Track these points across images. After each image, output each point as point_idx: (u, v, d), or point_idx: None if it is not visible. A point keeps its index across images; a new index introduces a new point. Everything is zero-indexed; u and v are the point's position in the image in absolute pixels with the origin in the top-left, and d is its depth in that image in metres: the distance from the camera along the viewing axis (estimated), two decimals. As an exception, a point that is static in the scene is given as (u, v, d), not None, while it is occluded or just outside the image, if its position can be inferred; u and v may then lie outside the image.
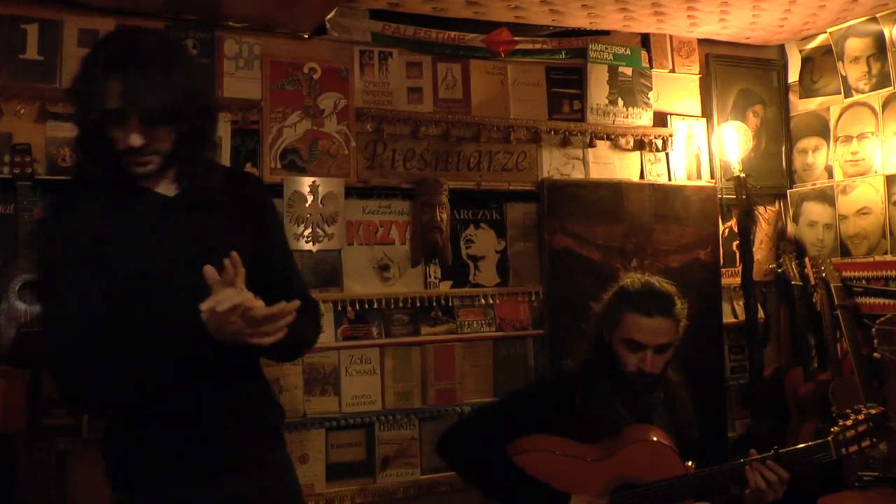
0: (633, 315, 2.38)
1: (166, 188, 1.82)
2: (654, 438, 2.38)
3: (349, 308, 3.34)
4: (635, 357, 2.37)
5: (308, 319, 1.90)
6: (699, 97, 4.16)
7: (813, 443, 2.34)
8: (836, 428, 2.31)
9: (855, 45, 3.91)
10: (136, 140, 1.67)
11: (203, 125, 1.80)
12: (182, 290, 1.71)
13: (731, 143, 3.99)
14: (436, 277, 3.52)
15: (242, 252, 1.72)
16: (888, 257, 3.79)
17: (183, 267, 1.74)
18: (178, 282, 1.74)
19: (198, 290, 1.65)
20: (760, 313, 4.05)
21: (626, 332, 2.38)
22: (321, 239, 3.30)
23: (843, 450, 2.28)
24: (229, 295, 1.60)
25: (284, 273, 1.97)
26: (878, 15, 3.77)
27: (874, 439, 2.29)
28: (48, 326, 1.77)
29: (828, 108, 4.12)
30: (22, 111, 2.91)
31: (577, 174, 3.81)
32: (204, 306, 1.60)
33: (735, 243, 4.07)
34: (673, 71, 4.09)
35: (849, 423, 2.30)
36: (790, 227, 4.28)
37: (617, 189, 3.79)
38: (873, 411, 2.30)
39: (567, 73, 3.85)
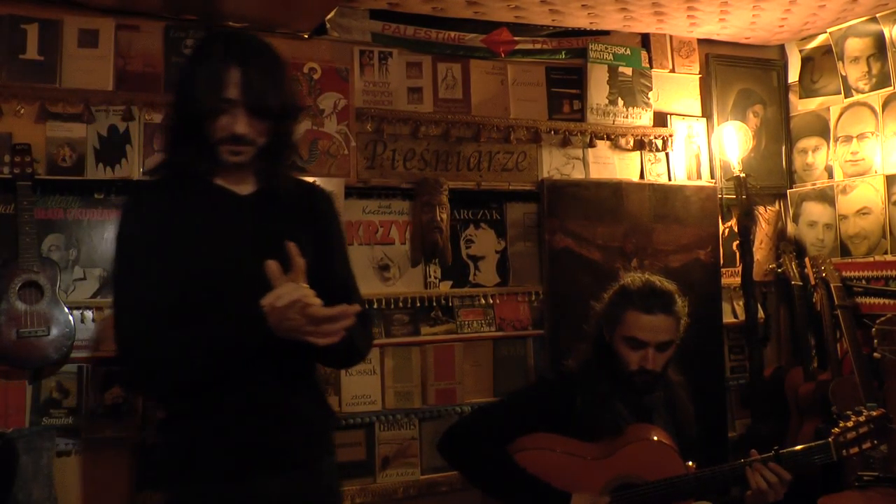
0: (634, 313, 2.39)
1: (240, 186, 1.88)
2: (655, 438, 2.38)
3: (349, 308, 3.34)
4: (637, 355, 2.37)
5: (362, 331, 1.94)
6: (699, 97, 4.16)
7: (814, 444, 2.34)
8: (836, 429, 2.31)
9: (855, 45, 3.91)
10: (242, 128, 1.76)
11: (293, 127, 1.90)
12: (247, 285, 1.75)
13: (731, 143, 3.99)
14: (436, 277, 3.52)
15: (306, 257, 1.79)
16: (888, 257, 3.79)
17: (250, 263, 1.78)
18: (244, 278, 1.78)
19: (263, 286, 1.71)
20: (760, 313, 4.05)
21: (628, 329, 2.39)
22: (321, 239, 3.29)
23: (844, 451, 2.28)
24: (289, 290, 1.66)
25: (344, 284, 2.00)
26: (878, 15, 3.77)
27: (875, 441, 2.29)
28: (117, 314, 1.83)
29: (828, 108, 4.12)
30: (22, 111, 2.91)
31: (577, 174, 3.81)
32: (265, 301, 1.66)
33: (735, 243, 4.07)
34: (673, 71, 4.09)
35: (849, 424, 2.30)
36: (790, 227, 4.28)
37: (617, 189, 3.79)
38: (874, 413, 2.30)
39: (567, 73, 3.85)
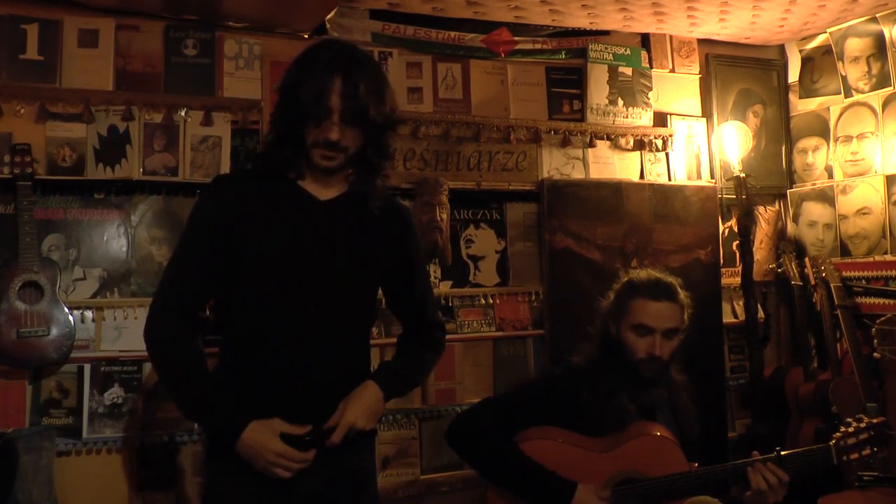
0: (640, 300, 2.43)
1: (323, 191, 1.93)
2: (658, 434, 2.39)
3: (349, 308, 3.34)
4: (645, 342, 2.40)
5: (426, 357, 2.14)
6: (699, 97, 4.16)
7: (815, 447, 2.35)
8: (837, 434, 2.32)
9: (855, 45, 3.92)
10: (335, 134, 1.81)
11: (388, 138, 1.94)
12: (304, 285, 1.86)
13: (731, 143, 3.99)
14: (436, 277, 3.52)
15: (377, 269, 1.97)
16: (888, 257, 3.79)
17: (308, 264, 1.87)
18: (309, 280, 1.87)
19: (319, 286, 1.85)
20: (760, 313, 4.05)
21: (635, 317, 2.42)
22: (321, 239, 3.29)
23: (844, 456, 2.29)
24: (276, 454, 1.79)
25: (421, 304, 2.16)
26: (878, 15, 3.77)
27: (874, 448, 2.29)
28: (159, 287, 1.93)
29: (828, 108, 4.13)
30: (22, 111, 2.91)
31: (577, 174, 3.81)
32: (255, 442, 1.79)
33: (735, 243, 4.07)
34: (673, 71, 4.09)
35: (850, 430, 2.31)
36: (790, 227, 4.28)
37: (617, 189, 3.79)
38: (874, 420, 2.31)
39: (567, 73, 3.86)
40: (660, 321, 2.41)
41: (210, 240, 1.87)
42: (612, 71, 3.90)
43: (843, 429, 2.32)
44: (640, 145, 3.95)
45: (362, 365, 2.01)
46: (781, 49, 4.33)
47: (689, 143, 4.07)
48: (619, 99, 3.90)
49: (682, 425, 2.50)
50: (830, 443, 2.31)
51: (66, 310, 2.83)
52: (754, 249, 4.02)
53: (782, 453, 2.30)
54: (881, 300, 3.78)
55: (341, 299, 1.91)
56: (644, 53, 3.99)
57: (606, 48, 3.89)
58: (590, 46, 3.86)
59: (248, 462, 1.79)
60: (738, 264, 4.06)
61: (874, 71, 3.86)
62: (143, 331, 1.89)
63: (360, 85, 1.81)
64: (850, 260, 3.95)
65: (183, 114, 3.14)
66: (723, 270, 4.05)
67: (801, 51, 4.24)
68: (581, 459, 2.35)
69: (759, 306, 4.03)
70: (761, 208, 4.24)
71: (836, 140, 4.08)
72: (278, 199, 1.90)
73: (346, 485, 1.92)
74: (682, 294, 2.47)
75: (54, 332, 2.79)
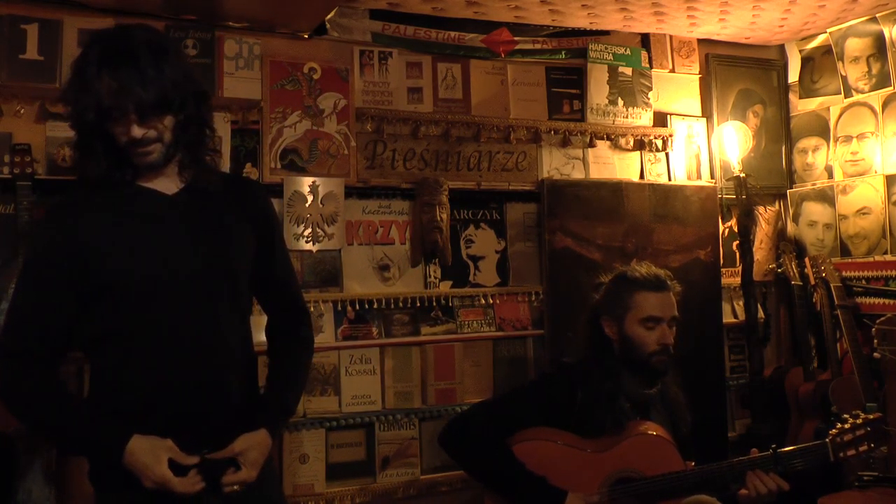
0: (644, 293, 2.47)
1: (166, 185, 1.84)
2: (654, 433, 2.40)
3: (349, 308, 3.35)
4: (654, 334, 2.44)
5: (304, 370, 2.03)
6: (699, 97, 4.16)
7: (811, 443, 2.36)
8: (833, 430, 2.32)
9: (855, 45, 3.92)
10: (137, 132, 1.71)
11: (198, 111, 1.82)
12: (184, 287, 1.77)
13: (731, 143, 3.99)
14: (436, 277, 3.52)
15: (245, 253, 1.85)
16: (888, 257, 3.79)
17: (185, 264, 1.78)
18: (181, 279, 1.78)
19: (199, 286, 1.76)
20: (760, 313, 4.05)
21: (642, 311, 2.46)
22: (321, 239, 3.30)
23: (841, 453, 2.29)
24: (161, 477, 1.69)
25: (285, 282, 2.04)
26: (878, 15, 3.77)
27: (871, 444, 2.30)
28: (3, 334, 1.80)
29: (828, 108, 4.12)
30: (22, 111, 2.92)
31: (577, 174, 3.81)
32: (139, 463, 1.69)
33: (735, 243, 4.07)
34: (673, 71, 4.09)
35: (847, 426, 2.31)
36: (790, 227, 4.28)
37: (617, 189, 3.79)
38: (871, 416, 2.31)
39: (567, 73, 3.86)
40: (666, 310, 2.47)
41: (61, 275, 1.74)
42: (612, 71, 3.90)
43: (839, 425, 2.32)
44: (640, 145, 3.95)
45: (248, 365, 1.93)
46: (781, 49, 4.33)
47: (689, 143, 4.07)
48: (619, 99, 3.90)
49: (675, 418, 2.52)
50: (826, 439, 2.31)
51: (66, 309, 2.83)
52: (754, 249, 4.02)
53: (778, 451, 2.31)
54: (881, 300, 3.78)
55: (218, 298, 1.81)
56: (644, 53, 3.99)
57: (606, 48, 3.90)
58: (590, 46, 3.86)
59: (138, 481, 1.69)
60: (738, 264, 4.06)
61: (874, 71, 3.86)
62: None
63: (133, 75, 1.67)
64: (850, 260, 3.95)
65: (183, 114, 3.13)
66: (723, 270, 4.04)
67: (801, 51, 4.24)
68: (577, 460, 2.35)
69: (759, 306, 4.03)
70: (761, 208, 4.23)
71: (836, 140, 4.08)
72: (124, 207, 1.78)
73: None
74: (669, 282, 2.53)
75: (54, 331, 2.79)
